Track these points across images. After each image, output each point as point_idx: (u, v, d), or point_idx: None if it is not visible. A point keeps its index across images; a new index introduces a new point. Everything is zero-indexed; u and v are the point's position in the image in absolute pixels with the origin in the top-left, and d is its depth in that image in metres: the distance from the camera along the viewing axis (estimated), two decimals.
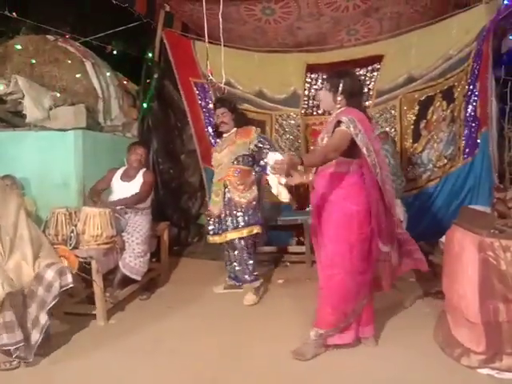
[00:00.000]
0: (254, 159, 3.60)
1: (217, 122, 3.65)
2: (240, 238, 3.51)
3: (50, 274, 2.57)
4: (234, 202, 3.50)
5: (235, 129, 3.60)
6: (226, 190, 3.53)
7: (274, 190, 2.44)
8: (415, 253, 2.59)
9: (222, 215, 3.54)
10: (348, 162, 2.41)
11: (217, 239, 3.61)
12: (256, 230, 3.54)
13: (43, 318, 2.51)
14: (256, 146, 3.54)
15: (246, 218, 3.50)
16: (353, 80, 2.51)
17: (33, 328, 2.48)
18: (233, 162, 3.53)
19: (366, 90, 5.01)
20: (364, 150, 2.31)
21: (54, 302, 2.54)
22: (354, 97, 2.47)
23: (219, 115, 3.60)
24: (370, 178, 2.37)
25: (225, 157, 3.56)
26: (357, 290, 2.46)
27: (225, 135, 3.65)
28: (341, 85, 2.43)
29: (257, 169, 3.64)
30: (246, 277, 3.55)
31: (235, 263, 3.61)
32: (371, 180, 2.37)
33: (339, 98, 2.45)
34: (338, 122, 2.35)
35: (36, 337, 2.47)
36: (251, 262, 3.56)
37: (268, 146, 3.55)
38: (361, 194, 2.40)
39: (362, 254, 2.42)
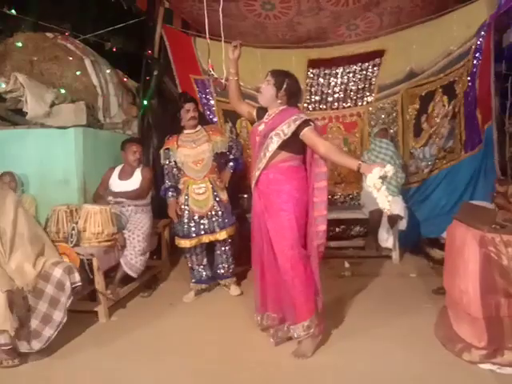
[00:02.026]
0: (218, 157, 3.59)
1: (185, 117, 3.48)
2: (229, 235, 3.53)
3: (58, 272, 2.61)
4: (221, 199, 3.49)
5: (199, 126, 3.55)
6: (213, 187, 3.46)
7: (387, 199, 2.32)
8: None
9: (214, 213, 3.45)
10: (297, 157, 2.60)
11: (200, 240, 3.46)
12: (236, 225, 3.64)
13: (58, 316, 2.57)
14: (229, 145, 3.63)
15: (231, 215, 3.56)
16: (295, 82, 2.67)
17: (45, 325, 2.53)
18: (212, 160, 3.51)
19: (367, 85, 5.04)
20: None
21: (69, 301, 2.62)
22: (294, 98, 2.66)
23: (190, 110, 3.46)
24: (311, 172, 2.59)
25: (203, 153, 3.46)
26: (313, 270, 2.58)
27: (188, 131, 3.51)
28: (285, 83, 2.59)
29: (231, 164, 3.65)
30: (228, 271, 3.60)
31: (219, 262, 3.59)
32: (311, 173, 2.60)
33: (280, 95, 2.60)
34: (306, 122, 2.50)
35: (50, 333, 2.53)
36: (232, 258, 3.62)
37: (240, 147, 3.72)
38: (307, 185, 2.60)
39: (301, 232, 2.57)
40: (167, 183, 3.57)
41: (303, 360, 2.45)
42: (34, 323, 2.52)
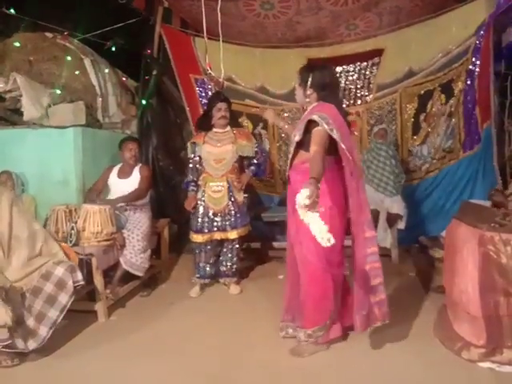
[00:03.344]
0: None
1: (216, 115, 3.53)
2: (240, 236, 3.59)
3: (59, 271, 2.59)
4: (236, 200, 3.55)
5: (229, 127, 3.60)
6: (229, 187, 3.53)
7: (318, 231, 1.95)
8: (383, 305, 2.44)
9: (227, 211, 3.51)
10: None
11: (212, 236, 3.52)
12: (250, 227, 3.69)
13: (54, 314, 2.53)
14: (255, 151, 3.65)
15: (245, 216, 3.61)
16: (323, 74, 2.46)
17: (39, 323, 2.50)
18: (235, 161, 3.57)
19: (366, 83, 5.05)
20: (342, 145, 2.28)
21: (71, 301, 2.59)
22: (326, 90, 2.44)
23: (222, 109, 3.53)
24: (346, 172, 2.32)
25: (226, 153, 3.53)
26: (334, 284, 2.44)
27: (217, 130, 3.57)
28: (310, 78, 2.43)
29: (252, 168, 3.69)
30: (231, 269, 3.63)
31: (223, 259, 3.63)
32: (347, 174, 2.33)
33: (309, 92, 2.44)
34: (310, 122, 2.32)
35: (44, 331, 2.49)
36: (236, 258, 3.66)
37: (265, 154, 3.75)
38: (334, 189, 2.38)
39: (335, 247, 2.26)
40: (189, 177, 3.66)
41: (304, 360, 2.43)
42: (31, 322, 2.49)
